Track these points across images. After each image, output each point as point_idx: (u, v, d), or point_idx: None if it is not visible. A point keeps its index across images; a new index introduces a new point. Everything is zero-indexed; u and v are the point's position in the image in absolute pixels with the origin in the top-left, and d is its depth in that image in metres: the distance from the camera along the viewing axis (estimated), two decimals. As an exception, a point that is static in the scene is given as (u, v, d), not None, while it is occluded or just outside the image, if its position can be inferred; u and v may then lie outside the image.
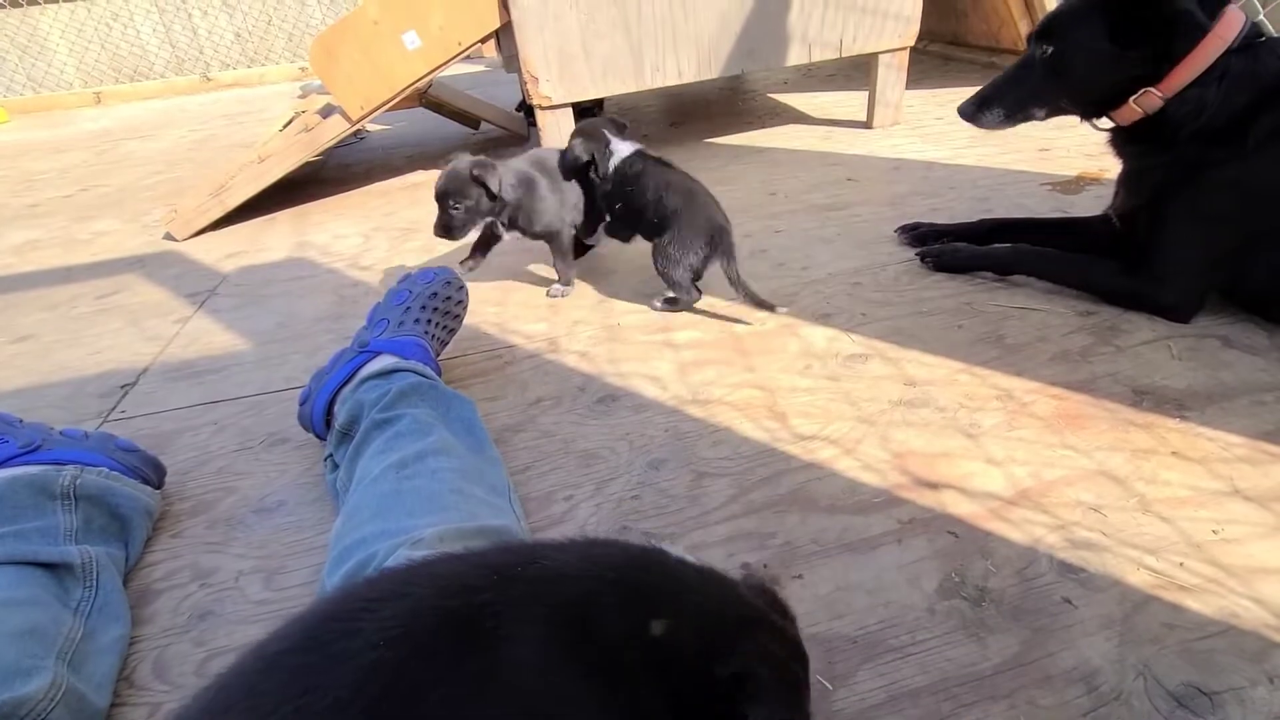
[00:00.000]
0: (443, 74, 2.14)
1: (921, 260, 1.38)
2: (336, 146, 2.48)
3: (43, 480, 0.80)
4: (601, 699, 0.32)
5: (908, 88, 2.33)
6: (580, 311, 1.36)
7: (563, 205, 1.38)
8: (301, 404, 1.03)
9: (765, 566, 0.76)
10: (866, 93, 2.34)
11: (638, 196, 1.30)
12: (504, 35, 2.01)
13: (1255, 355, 1.02)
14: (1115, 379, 1.00)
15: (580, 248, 1.49)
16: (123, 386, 1.26)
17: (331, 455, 0.94)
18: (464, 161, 1.28)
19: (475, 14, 1.93)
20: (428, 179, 2.28)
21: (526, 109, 2.77)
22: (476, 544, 0.68)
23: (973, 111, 1.20)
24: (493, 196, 1.27)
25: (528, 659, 0.32)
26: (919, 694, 0.62)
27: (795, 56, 2.15)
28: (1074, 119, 1.19)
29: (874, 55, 2.21)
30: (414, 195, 2.17)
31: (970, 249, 1.34)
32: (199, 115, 4.06)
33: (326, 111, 2.05)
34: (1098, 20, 1.05)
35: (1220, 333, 1.08)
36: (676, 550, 0.43)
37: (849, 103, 2.67)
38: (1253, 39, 1.01)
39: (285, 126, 2.38)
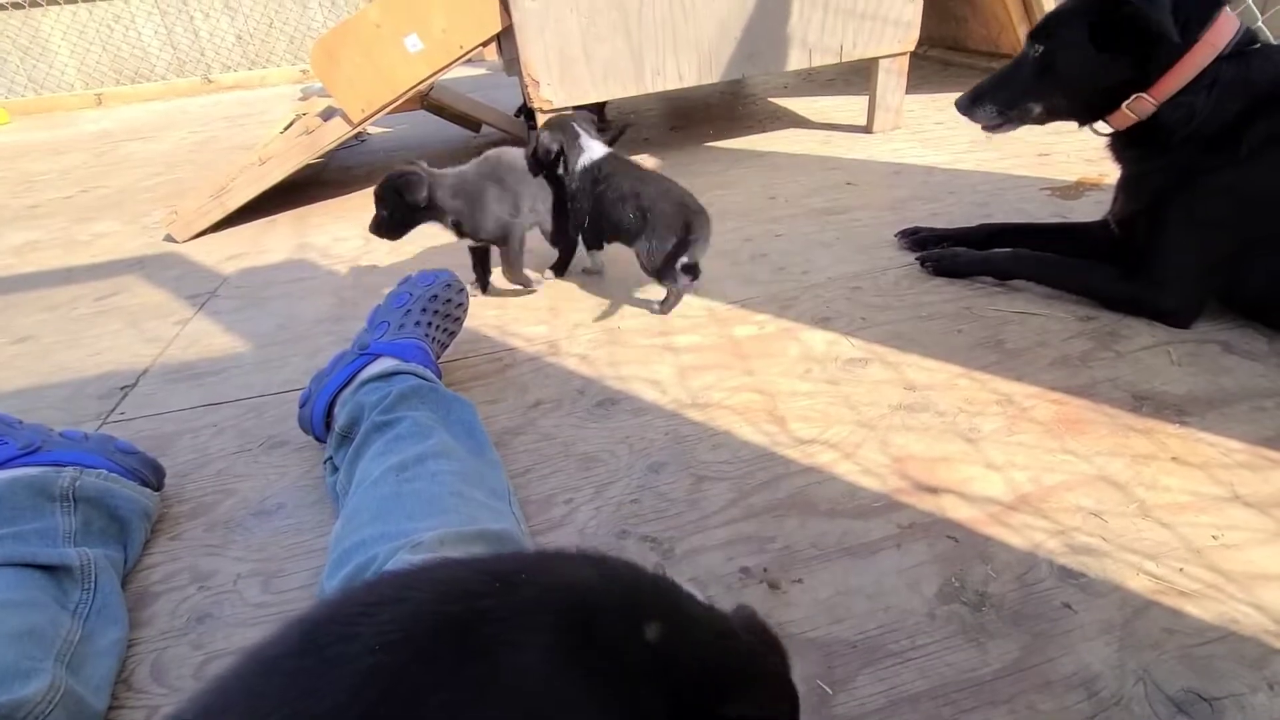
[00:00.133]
0: (444, 77, 2.14)
1: (921, 265, 1.38)
2: (338, 149, 2.48)
3: (42, 482, 0.80)
4: (604, 707, 0.32)
5: (908, 92, 2.33)
6: (580, 315, 1.36)
7: (515, 210, 1.38)
8: (301, 406, 1.03)
9: (765, 570, 0.76)
10: (866, 97, 2.34)
11: (609, 198, 1.30)
12: (505, 38, 2.02)
13: (1255, 361, 1.03)
14: (1115, 384, 1.01)
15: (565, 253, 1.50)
16: (122, 388, 1.26)
17: (331, 458, 0.93)
18: (398, 171, 1.30)
19: (477, 17, 1.93)
20: (428, 182, 2.28)
21: (527, 113, 2.78)
22: (477, 547, 0.68)
23: (967, 105, 1.22)
24: (415, 208, 1.29)
25: (530, 666, 0.32)
26: (919, 699, 0.62)
27: (795, 61, 2.15)
28: (1072, 124, 1.20)
29: (874, 60, 2.22)
30: (414, 198, 2.17)
31: (970, 254, 1.34)
32: (200, 117, 4.07)
33: (328, 114, 2.05)
34: (1082, 23, 1.07)
35: (1220, 338, 1.08)
36: (685, 585, 0.43)
37: (849, 107, 2.68)
38: (1246, 45, 1.01)
39: (286, 129, 2.38)
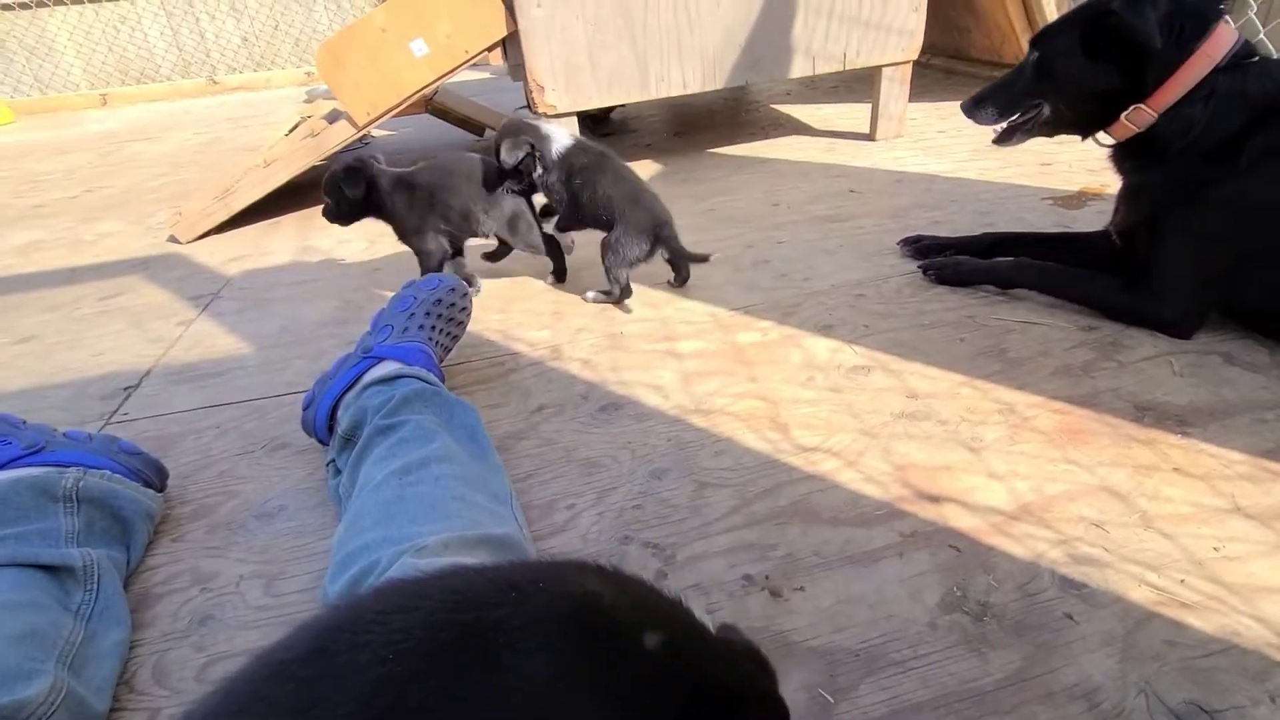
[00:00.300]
0: (448, 81, 2.15)
1: (924, 273, 1.38)
2: (342, 151, 2.49)
3: (45, 482, 0.80)
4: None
5: (910, 101, 2.34)
6: (583, 319, 1.36)
7: (445, 219, 1.40)
8: (305, 409, 1.03)
9: (767, 578, 0.76)
10: (869, 105, 2.35)
11: (585, 189, 1.34)
12: (510, 44, 2.03)
13: (1257, 373, 1.03)
14: (1117, 394, 1.01)
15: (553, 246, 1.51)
16: (125, 389, 1.26)
17: (334, 461, 0.94)
18: (342, 163, 1.36)
19: (483, 23, 1.94)
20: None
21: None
22: (480, 552, 0.68)
23: (971, 107, 1.25)
24: (354, 200, 1.37)
25: (540, 677, 0.32)
26: (921, 708, 0.62)
27: (799, 69, 2.16)
28: (1075, 136, 1.21)
29: (877, 68, 2.23)
30: (418, 201, 2.17)
31: (973, 262, 1.34)
32: (204, 118, 4.08)
33: (333, 117, 2.06)
34: (1075, 32, 1.10)
35: (1222, 349, 1.08)
36: (699, 611, 0.43)
37: (852, 115, 2.69)
38: (1244, 58, 1.02)
39: (291, 131, 2.39)
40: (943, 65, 3.30)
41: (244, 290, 1.65)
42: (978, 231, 1.45)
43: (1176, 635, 0.66)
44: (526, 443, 1.01)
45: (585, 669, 0.33)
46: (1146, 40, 1.01)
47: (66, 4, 4.84)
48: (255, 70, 5.21)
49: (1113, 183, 1.23)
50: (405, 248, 1.46)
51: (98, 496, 0.83)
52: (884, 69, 2.22)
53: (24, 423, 0.89)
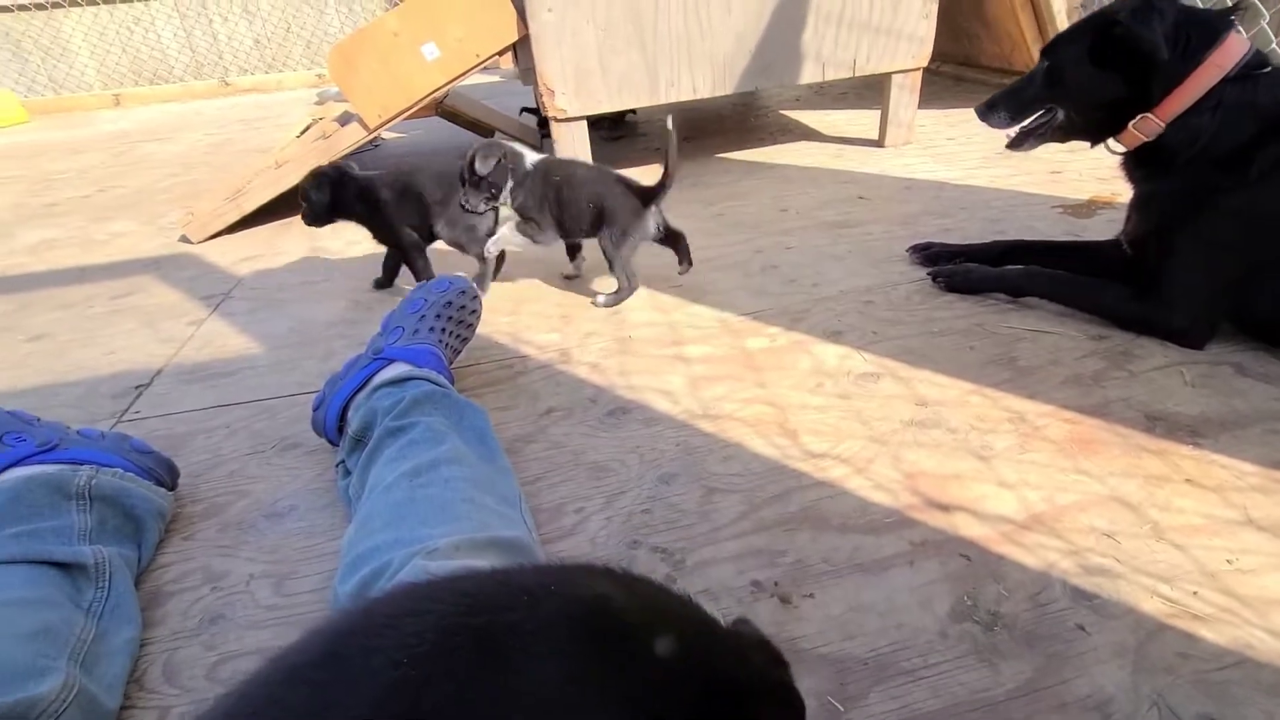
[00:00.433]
0: (459, 84, 2.16)
1: (933, 280, 1.38)
2: (352, 153, 2.51)
3: (59, 480, 0.81)
4: None
5: (920, 107, 2.34)
6: (592, 323, 1.36)
7: (391, 219, 1.47)
8: (315, 409, 1.03)
9: (776, 584, 0.76)
10: (879, 111, 2.35)
11: (566, 188, 1.36)
12: (521, 48, 2.04)
13: (1269, 383, 1.02)
14: (1128, 404, 1.00)
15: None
16: (137, 387, 1.27)
17: (344, 461, 0.94)
18: (315, 169, 1.45)
19: (494, 27, 1.95)
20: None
21: (540, 120, 2.80)
22: (489, 554, 0.69)
23: (984, 111, 1.27)
24: (324, 204, 1.47)
25: (552, 680, 0.32)
26: (932, 718, 0.62)
27: (809, 75, 2.16)
28: (1085, 143, 1.21)
29: (887, 75, 2.23)
30: (428, 203, 2.19)
31: (983, 270, 1.34)
32: (216, 119, 4.11)
33: (344, 119, 2.07)
34: (1083, 41, 1.11)
35: (1234, 360, 1.08)
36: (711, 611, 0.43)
37: (861, 121, 2.68)
38: (1254, 68, 1.02)
39: (302, 133, 2.41)
40: (952, 72, 3.30)
41: (255, 290, 1.66)
42: (987, 239, 1.45)
43: (1189, 648, 0.66)
44: (535, 446, 1.02)
45: (596, 672, 0.33)
46: (1152, 50, 1.01)
47: (81, 5, 4.90)
48: (267, 72, 5.25)
49: (1123, 191, 1.22)
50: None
51: (110, 494, 0.83)
52: (894, 75, 2.22)
53: (37, 420, 0.90)
